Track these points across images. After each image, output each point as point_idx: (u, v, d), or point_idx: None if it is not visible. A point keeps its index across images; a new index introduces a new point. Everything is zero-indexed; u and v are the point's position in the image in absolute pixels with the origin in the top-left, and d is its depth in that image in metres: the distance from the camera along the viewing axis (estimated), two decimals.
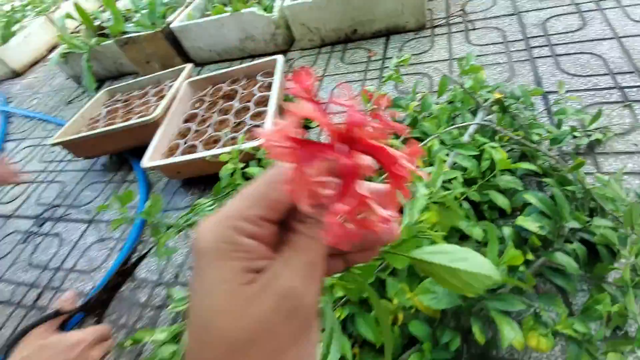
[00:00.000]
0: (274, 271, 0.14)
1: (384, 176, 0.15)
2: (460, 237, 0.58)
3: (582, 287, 0.53)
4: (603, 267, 0.48)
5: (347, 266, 0.18)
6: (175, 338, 0.58)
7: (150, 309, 0.73)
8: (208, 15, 1.34)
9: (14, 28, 2.20)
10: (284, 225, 0.16)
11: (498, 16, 1.08)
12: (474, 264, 0.21)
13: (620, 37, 0.87)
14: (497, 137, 0.63)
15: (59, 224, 1.03)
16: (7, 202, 1.20)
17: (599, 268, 0.48)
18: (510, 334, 0.40)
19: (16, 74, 2.19)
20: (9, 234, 1.08)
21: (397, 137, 0.61)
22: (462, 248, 0.22)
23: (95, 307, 0.50)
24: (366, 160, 0.15)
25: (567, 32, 0.94)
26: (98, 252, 0.90)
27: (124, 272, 0.54)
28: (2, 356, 0.40)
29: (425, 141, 0.51)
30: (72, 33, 1.62)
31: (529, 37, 0.97)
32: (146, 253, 0.59)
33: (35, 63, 2.28)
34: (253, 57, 1.36)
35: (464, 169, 0.62)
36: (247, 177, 0.67)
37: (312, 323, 0.15)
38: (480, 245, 0.57)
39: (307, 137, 0.15)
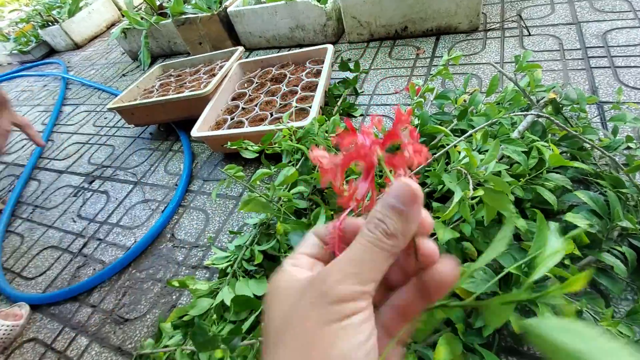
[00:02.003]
0: (324, 269, 0.16)
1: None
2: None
3: (626, 297, 0.52)
4: None
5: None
6: (212, 293, 0.61)
7: (186, 267, 0.77)
8: (263, 2, 1.39)
9: (81, 4, 2.35)
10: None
11: (556, 24, 1.05)
12: None
13: None
14: (548, 137, 0.62)
15: (107, 182, 1.10)
16: (62, 159, 1.30)
17: None
18: None
19: (77, 46, 2.35)
20: (61, 187, 1.16)
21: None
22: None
23: None
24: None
25: (628, 45, 0.91)
26: (141, 211, 0.96)
27: None
28: None
29: (476, 129, 0.51)
30: (135, 9, 1.73)
31: (587, 47, 0.94)
32: None
33: (94, 37, 2.44)
34: (301, 46, 1.40)
35: (510, 166, 0.62)
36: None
37: (349, 314, 0.14)
38: (519, 243, 0.56)
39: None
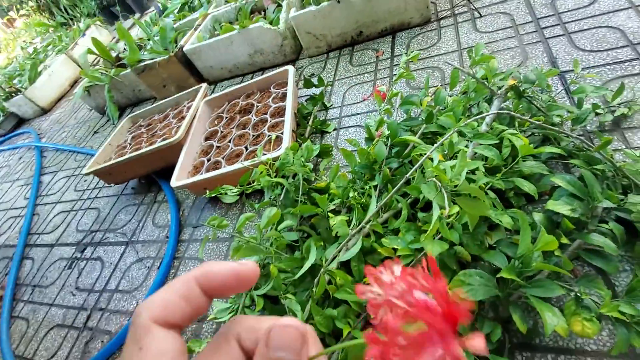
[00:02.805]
0: None
1: None
2: (489, 227, 0.58)
3: (625, 268, 0.52)
4: None
5: None
6: None
7: (193, 322, 0.76)
8: (216, 35, 1.39)
9: (39, 68, 2.33)
10: None
11: (504, 1, 1.07)
12: None
13: (638, 5, 0.84)
14: (516, 123, 0.62)
15: (98, 248, 1.09)
16: (50, 232, 1.28)
17: None
18: (552, 320, 0.40)
19: (44, 111, 2.33)
20: (55, 261, 1.14)
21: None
22: None
23: None
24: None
25: (578, 8, 0.92)
26: (137, 271, 0.95)
27: None
28: None
29: (445, 137, 0.51)
30: (91, 66, 1.72)
31: (538, 18, 0.95)
32: None
33: (60, 98, 2.42)
34: (263, 69, 1.40)
35: (485, 159, 0.62)
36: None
37: None
38: (511, 234, 0.57)
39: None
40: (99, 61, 1.76)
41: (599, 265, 0.47)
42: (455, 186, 0.45)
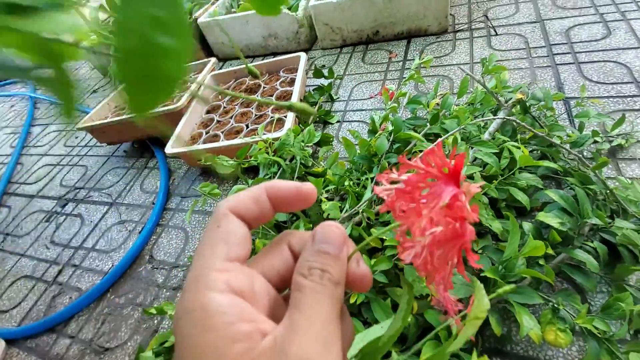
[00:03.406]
0: (282, 338, 0.13)
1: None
2: (477, 234, 0.59)
3: (602, 289, 0.53)
4: (625, 269, 0.48)
5: None
6: None
7: (167, 289, 0.75)
8: (233, 13, 1.38)
9: None
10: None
11: (521, 23, 1.08)
12: None
13: None
14: (518, 137, 0.63)
15: (81, 205, 1.07)
16: (32, 183, 1.24)
17: (620, 269, 0.48)
18: (529, 323, 0.40)
19: None
20: (32, 213, 1.11)
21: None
22: None
23: None
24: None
25: (590, 41, 0.94)
26: (118, 233, 0.93)
27: None
28: None
29: (446, 135, 0.52)
30: (102, 23, 1.68)
31: (552, 44, 0.97)
32: None
33: None
34: (274, 54, 1.39)
35: (483, 167, 0.63)
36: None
37: None
38: (497, 244, 0.57)
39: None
40: (109, 22, 1.72)
41: (579, 280, 0.47)
42: None
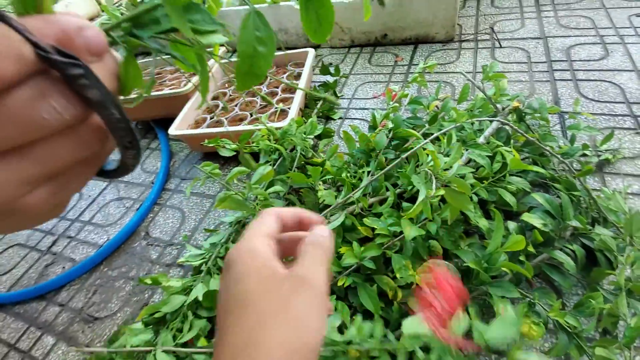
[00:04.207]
0: (293, 269, 0.22)
1: None
2: (464, 232, 0.61)
3: (577, 292, 0.56)
4: (600, 272, 0.51)
5: None
6: (185, 290, 0.61)
7: (160, 265, 0.77)
8: (245, 4, 1.40)
9: None
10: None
11: (525, 38, 1.12)
12: None
13: None
14: (511, 143, 0.66)
15: None
16: None
17: (596, 272, 0.51)
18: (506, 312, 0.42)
19: None
20: None
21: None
22: None
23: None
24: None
25: (589, 60, 0.97)
26: (115, 209, 0.94)
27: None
28: None
29: (442, 130, 0.54)
30: (114, 4, 1.70)
31: (552, 60, 1.00)
32: None
33: None
34: (283, 49, 1.41)
35: (476, 169, 0.65)
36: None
37: (320, 296, 0.21)
38: (483, 241, 0.60)
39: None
40: (121, 4, 1.74)
41: (557, 279, 0.50)
42: (445, 177, 0.47)
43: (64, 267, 0.83)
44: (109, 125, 0.14)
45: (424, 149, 0.57)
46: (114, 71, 0.15)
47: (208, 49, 0.20)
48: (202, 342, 0.53)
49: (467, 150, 0.64)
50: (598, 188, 0.67)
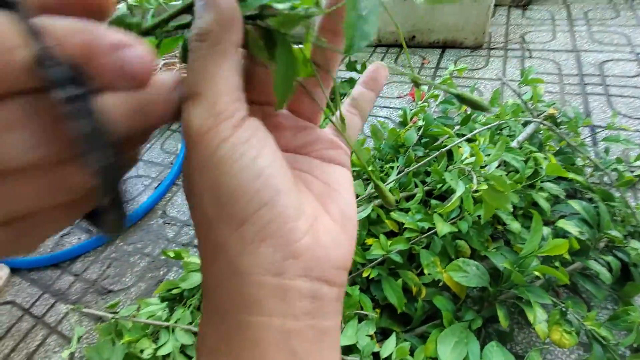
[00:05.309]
0: None
1: None
2: (491, 237, 0.60)
3: (606, 306, 0.54)
4: (635, 287, 0.49)
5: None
6: None
7: (176, 244, 0.76)
8: None
9: None
10: None
11: (556, 50, 1.10)
12: None
13: None
14: (545, 149, 0.65)
15: None
16: None
17: (630, 287, 0.49)
18: (541, 316, 0.41)
19: None
20: None
21: None
22: None
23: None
24: None
25: (623, 77, 0.96)
26: (134, 186, 0.94)
27: None
28: None
29: (482, 129, 0.53)
30: None
31: (584, 74, 0.99)
32: None
33: None
34: None
35: (507, 173, 0.64)
36: None
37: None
38: (509, 247, 0.58)
39: None
40: None
41: (590, 289, 0.49)
42: (483, 173, 0.46)
43: (79, 239, 0.83)
44: (88, 172, 0.10)
45: (459, 147, 0.56)
46: (152, 106, 0.12)
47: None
48: None
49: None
50: (633, 204, 0.65)
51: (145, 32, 0.15)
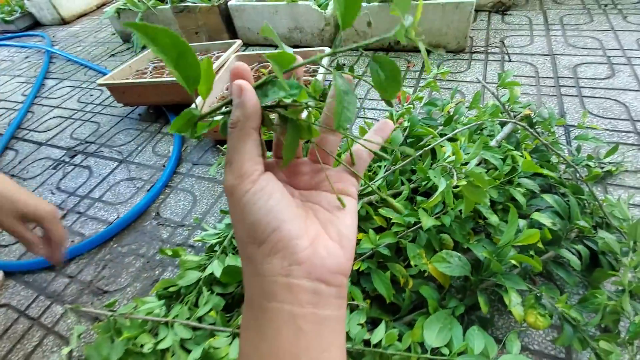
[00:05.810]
0: None
1: None
2: (473, 230, 0.64)
3: (578, 292, 0.58)
4: (602, 273, 0.53)
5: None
6: (200, 267, 0.63)
7: (171, 245, 0.78)
8: (264, 0, 1.43)
9: None
10: None
11: (533, 54, 1.16)
12: None
13: None
14: (521, 148, 0.69)
15: (90, 158, 1.08)
16: (42, 132, 1.26)
17: (599, 273, 0.54)
18: (516, 299, 0.45)
19: (64, 22, 2.28)
20: (40, 159, 1.13)
21: None
22: None
23: None
24: None
25: (595, 79, 1.01)
26: (126, 188, 0.95)
27: None
28: None
29: (464, 128, 0.57)
30: None
31: (559, 77, 1.04)
32: None
33: (83, 15, 2.37)
34: (297, 47, 1.44)
35: (486, 171, 0.68)
36: None
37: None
38: (489, 239, 0.62)
39: None
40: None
41: (562, 275, 0.53)
42: (464, 171, 0.50)
43: (73, 241, 0.83)
44: None
45: (442, 146, 0.60)
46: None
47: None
48: (215, 316, 0.54)
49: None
50: (602, 198, 0.70)
51: (208, 113, 0.23)
